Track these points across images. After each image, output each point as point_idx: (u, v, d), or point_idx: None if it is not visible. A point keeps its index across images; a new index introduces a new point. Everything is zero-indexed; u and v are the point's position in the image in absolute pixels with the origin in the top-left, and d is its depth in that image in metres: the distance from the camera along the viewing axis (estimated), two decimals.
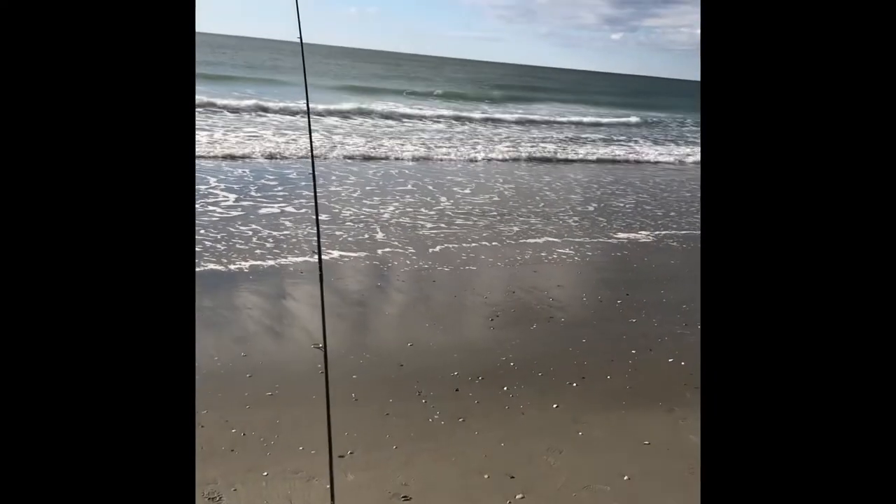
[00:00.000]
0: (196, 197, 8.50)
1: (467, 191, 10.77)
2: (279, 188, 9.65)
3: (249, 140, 13.51)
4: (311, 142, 2.50)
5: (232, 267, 6.11)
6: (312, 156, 2.49)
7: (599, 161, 16.46)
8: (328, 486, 2.45)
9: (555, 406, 4.02)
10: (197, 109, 16.47)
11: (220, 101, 17.93)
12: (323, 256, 6.53)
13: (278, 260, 6.40)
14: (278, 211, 8.34)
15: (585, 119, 26.35)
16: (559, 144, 18.45)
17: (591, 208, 10.29)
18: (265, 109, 17.87)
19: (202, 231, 7.03)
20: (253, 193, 9.22)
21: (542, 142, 18.61)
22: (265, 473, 3.14)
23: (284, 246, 6.81)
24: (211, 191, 9.13)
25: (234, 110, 17.45)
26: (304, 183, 10.21)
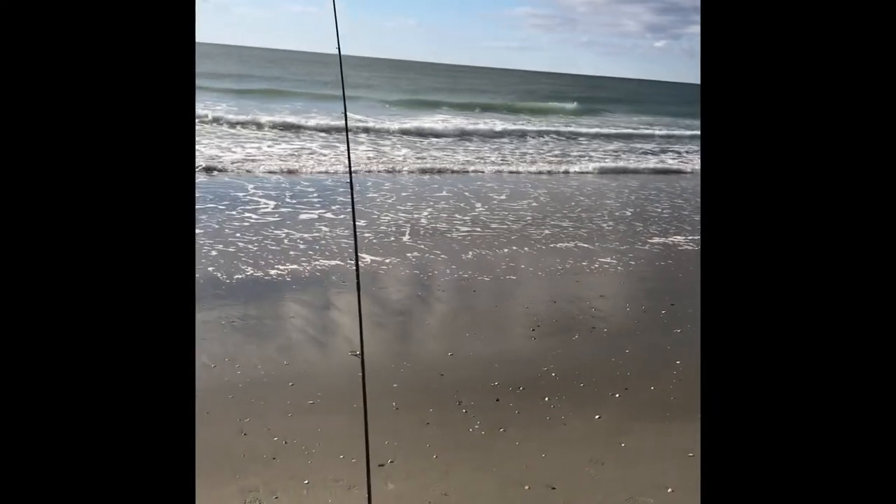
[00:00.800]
0: (237, 205, 8.67)
1: (505, 200, 10.75)
2: (319, 198, 9.75)
3: (295, 153, 13.73)
4: (348, 152, 2.52)
5: (272, 273, 6.19)
6: (350, 165, 2.52)
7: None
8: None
9: (597, 417, 3.97)
10: (243, 124, 16.82)
11: (264, 118, 18.16)
12: (365, 265, 6.59)
13: (315, 265, 6.46)
14: (316, 217, 8.46)
15: (669, 131, 25.97)
16: (628, 154, 18.40)
17: (628, 213, 10.18)
18: (308, 124, 17.96)
19: (238, 235, 7.14)
20: (290, 200, 9.37)
21: (616, 151, 18.57)
22: (306, 481, 3.17)
23: (318, 248, 6.88)
24: (251, 198, 9.32)
25: (281, 125, 17.60)
26: (341, 189, 10.32)
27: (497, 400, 4.11)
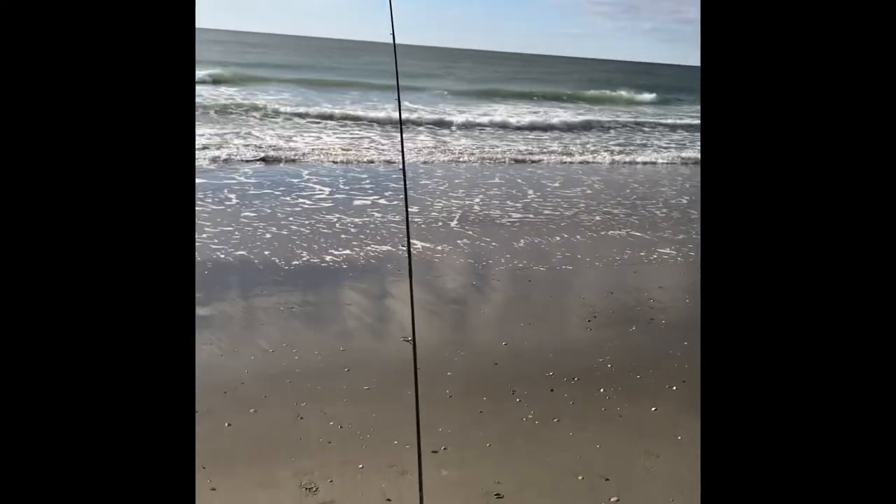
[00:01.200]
0: (294, 192, 8.80)
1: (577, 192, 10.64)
2: (373, 185, 9.82)
3: (355, 141, 13.86)
4: (401, 138, 2.53)
5: (328, 258, 6.27)
6: (403, 152, 2.52)
7: None
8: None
9: (653, 409, 3.91)
10: (302, 114, 17.01)
11: (325, 108, 18.36)
12: (417, 252, 6.62)
13: (367, 251, 6.52)
14: (369, 203, 8.55)
15: None
16: (692, 143, 18.05)
17: (684, 201, 9.95)
18: (368, 114, 17.89)
19: (295, 220, 7.25)
20: (342, 186, 9.52)
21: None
22: (360, 466, 3.21)
23: (369, 232, 6.94)
24: (307, 184, 9.52)
25: (341, 116, 17.62)
26: (394, 176, 10.35)
27: (551, 390, 4.09)
